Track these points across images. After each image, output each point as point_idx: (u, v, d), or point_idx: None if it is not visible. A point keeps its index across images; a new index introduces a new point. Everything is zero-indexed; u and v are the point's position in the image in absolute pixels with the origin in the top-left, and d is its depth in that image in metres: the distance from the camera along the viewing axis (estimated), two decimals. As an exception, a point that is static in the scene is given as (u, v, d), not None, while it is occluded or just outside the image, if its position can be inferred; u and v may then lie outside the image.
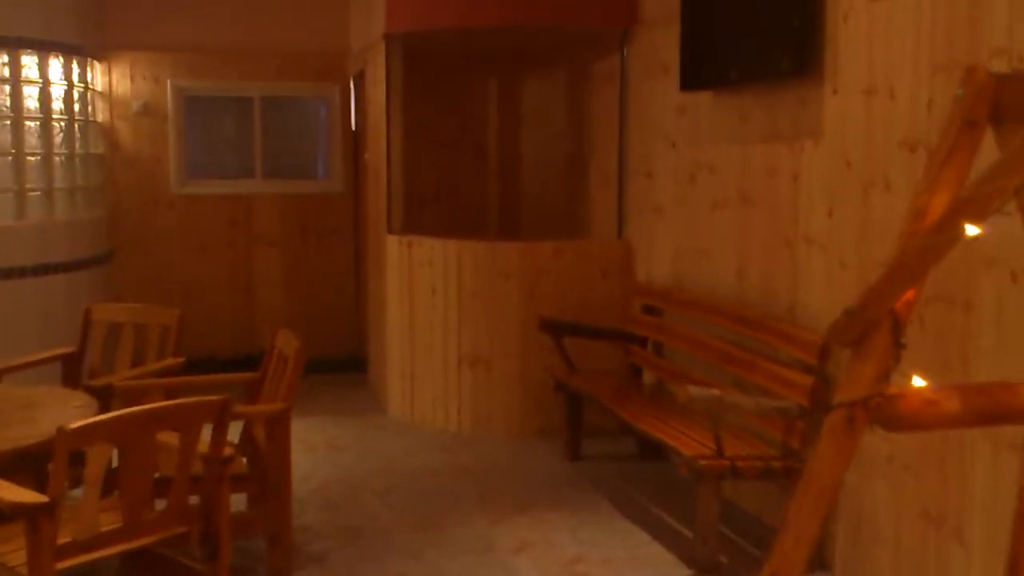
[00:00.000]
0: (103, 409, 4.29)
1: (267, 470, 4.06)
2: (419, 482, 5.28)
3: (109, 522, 3.19)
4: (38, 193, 6.37)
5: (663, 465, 5.05)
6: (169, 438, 3.37)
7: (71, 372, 5.00)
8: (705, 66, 4.88)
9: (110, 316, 5.04)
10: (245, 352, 7.63)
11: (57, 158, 6.50)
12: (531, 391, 5.98)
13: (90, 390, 4.34)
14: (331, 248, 7.86)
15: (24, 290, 6.22)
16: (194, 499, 3.34)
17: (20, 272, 6.21)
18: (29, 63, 6.28)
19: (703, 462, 3.99)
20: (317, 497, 5.05)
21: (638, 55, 5.89)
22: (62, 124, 6.55)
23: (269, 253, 7.78)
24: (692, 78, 4.98)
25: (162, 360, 4.78)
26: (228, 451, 3.45)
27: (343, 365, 7.72)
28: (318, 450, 5.83)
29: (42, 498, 2.94)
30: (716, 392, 4.07)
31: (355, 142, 7.65)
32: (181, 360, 4.77)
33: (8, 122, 6.18)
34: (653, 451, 5.24)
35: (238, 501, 4.45)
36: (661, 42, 5.51)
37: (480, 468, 5.48)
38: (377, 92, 6.58)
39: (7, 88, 6.16)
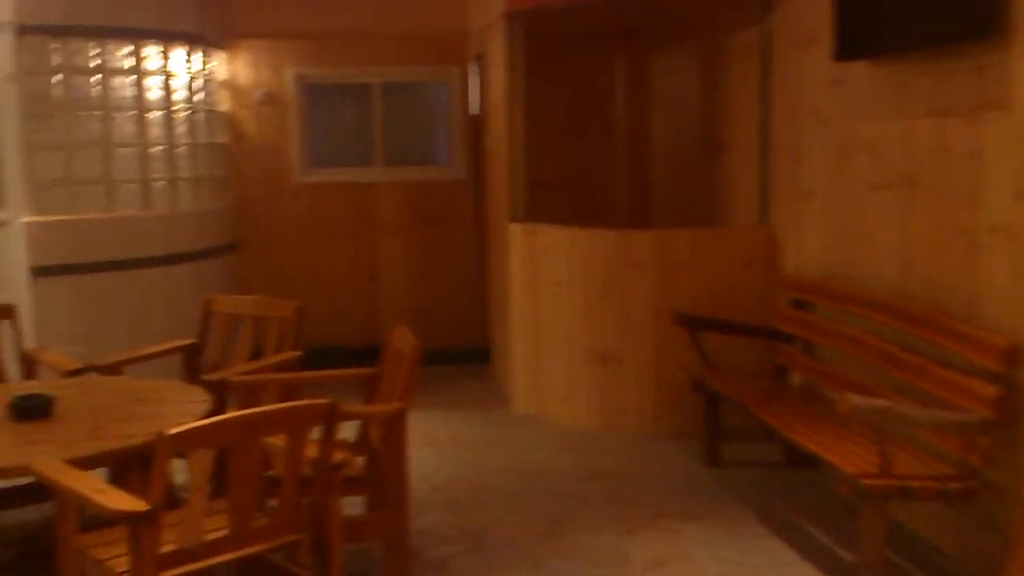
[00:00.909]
0: (217, 404, 4.15)
1: (383, 473, 3.81)
2: (545, 483, 4.98)
3: (217, 527, 3.00)
4: (163, 183, 6.32)
5: (814, 474, 4.62)
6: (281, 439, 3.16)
7: (191, 364, 4.89)
8: (862, 32, 4.40)
9: (229, 308, 4.91)
10: (370, 342, 7.47)
11: (180, 148, 6.44)
12: (664, 389, 5.61)
13: (205, 384, 4.20)
14: (453, 236, 7.64)
15: (150, 280, 6.18)
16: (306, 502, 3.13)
17: (147, 262, 6.17)
18: (151, 54, 6.22)
19: (867, 481, 3.50)
20: (438, 497, 4.81)
21: (782, 24, 5.43)
22: (185, 114, 6.48)
23: (392, 242, 7.61)
24: (847, 46, 4.50)
25: (280, 353, 4.62)
26: (339, 456, 3.22)
27: (467, 356, 7.50)
28: (441, 445, 5.60)
29: (143, 505, 2.75)
30: (883, 403, 3.60)
31: (476, 127, 7.40)
32: (297, 354, 4.59)
33: (132, 113, 6.13)
34: (802, 458, 4.81)
35: (355, 504, 4.26)
36: (808, 8, 5.04)
37: (610, 470, 5.15)
38: (498, 74, 6.29)
39: (130, 79, 6.11)
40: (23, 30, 5.67)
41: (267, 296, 7.19)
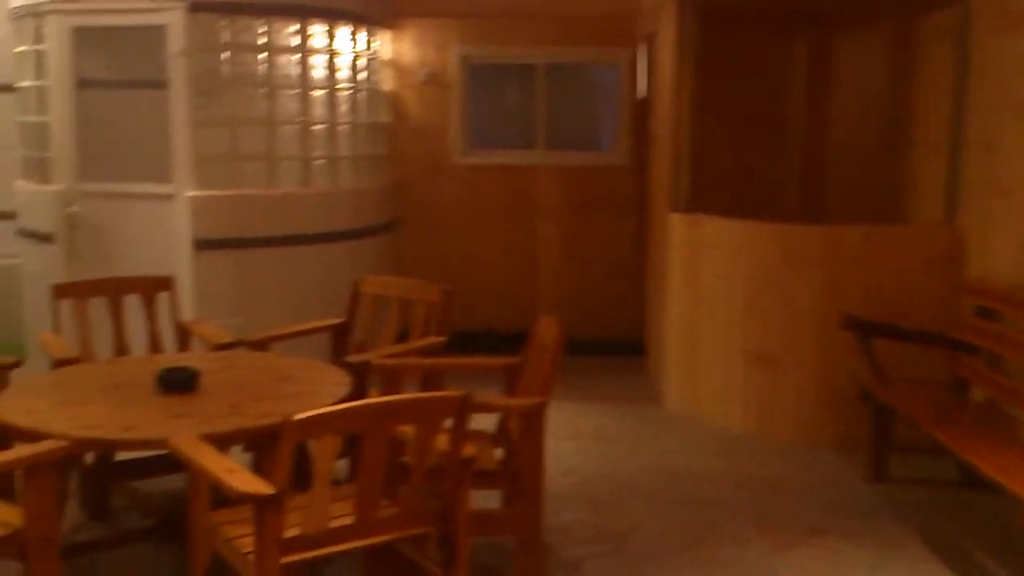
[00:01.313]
0: (359, 386, 4.10)
1: (519, 467, 3.67)
2: (693, 488, 4.74)
3: (344, 513, 2.92)
4: (324, 161, 6.36)
5: (993, 498, 4.21)
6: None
7: (339, 344, 4.87)
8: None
9: (377, 289, 4.87)
10: (524, 327, 7.33)
11: (343, 127, 6.46)
12: (828, 396, 5.26)
13: (347, 366, 4.15)
14: (613, 224, 7.42)
15: (307, 257, 6.23)
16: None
17: (304, 239, 6.22)
18: (317, 32, 6.25)
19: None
20: (578, 494, 4.64)
21: (985, 5, 4.95)
22: (348, 93, 6.49)
23: (549, 227, 7.45)
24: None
25: (425, 338, 4.53)
26: (470, 450, 3.09)
27: (621, 348, 7.29)
28: (585, 439, 5.43)
29: (268, 488, 2.69)
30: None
31: (642, 112, 7.15)
32: (443, 340, 4.49)
33: (296, 91, 6.18)
34: (980, 479, 4.39)
35: (491, 498, 4.14)
36: (1015, -13, 4.59)
37: (763, 479, 4.86)
38: (667, 57, 6.03)
39: (295, 57, 6.15)
40: (195, 7, 5.78)
41: (419, 278, 7.20)
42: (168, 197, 5.93)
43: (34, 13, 6.04)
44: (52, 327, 4.55)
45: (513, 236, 7.47)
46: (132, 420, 3.35)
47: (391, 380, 4.03)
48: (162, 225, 5.97)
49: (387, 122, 7.12)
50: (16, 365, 4.01)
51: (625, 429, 5.64)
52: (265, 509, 2.69)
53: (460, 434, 2.95)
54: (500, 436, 4.07)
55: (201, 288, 5.92)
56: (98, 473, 4.13)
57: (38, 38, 6.05)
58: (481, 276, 7.45)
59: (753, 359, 5.47)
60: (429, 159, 7.39)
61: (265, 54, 6.04)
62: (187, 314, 5.85)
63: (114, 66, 6.29)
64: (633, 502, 4.56)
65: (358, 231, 6.56)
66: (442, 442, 2.99)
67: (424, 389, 4.47)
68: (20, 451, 2.88)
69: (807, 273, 5.27)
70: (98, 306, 4.63)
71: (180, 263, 5.91)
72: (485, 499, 4.20)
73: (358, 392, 4.14)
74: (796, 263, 5.30)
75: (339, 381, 3.83)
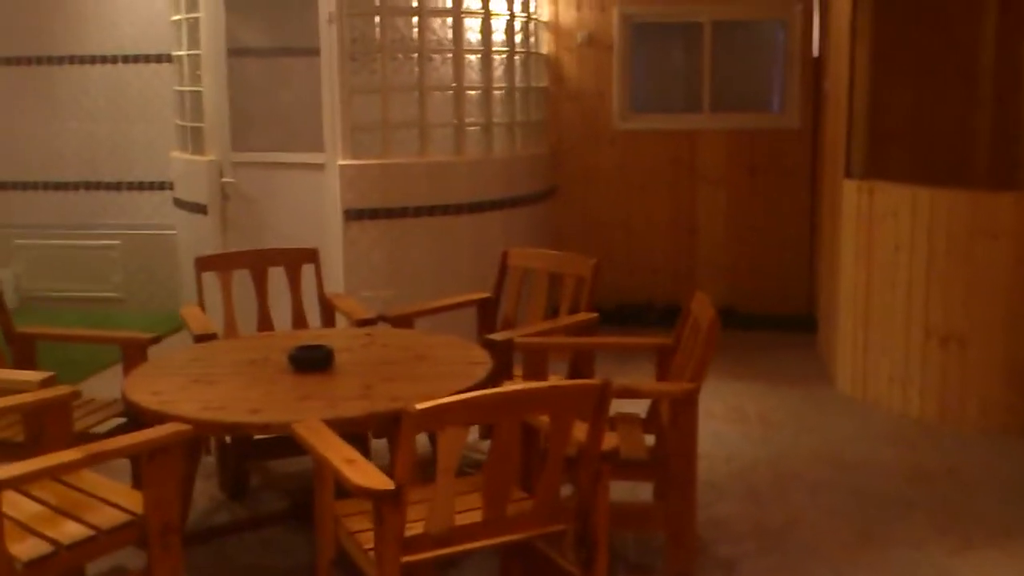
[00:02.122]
0: (502, 365, 3.91)
1: (669, 457, 3.39)
2: (862, 480, 4.34)
3: (471, 508, 2.72)
4: (477, 128, 6.17)
5: None
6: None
7: (486, 319, 4.70)
8: None
9: (525, 262, 4.65)
10: (683, 300, 7.04)
11: (497, 92, 6.25)
12: (1018, 379, 4.74)
13: (489, 344, 3.96)
14: (783, 191, 6.96)
15: (459, 227, 6.08)
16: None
17: (456, 209, 6.06)
18: (471, -7, 6.05)
19: None
20: (738, 484, 4.32)
21: None
22: (504, 57, 6.27)
23: (714, 194, 7.06)
24: None
25: (575, 314, 4.29)
26: (610, 441, 2.83)
27: (791, 323, 6.86)
28: (748, 423, 5.09)
29: (387, 484, 2.52)
30: None
31: (816, 70, 6.64)
32: (593, 316, 4.24)
33: (449, 55, 6.00)
34: None
35: (643, 488, 3.90)
36: None
37: (943, 472, 4.41)
38: (843, 8, 5.53)
39: (449, 20, 5.97)
40: (345, -29, 5.67)
41: (575, 249, 6.96)
42: (319, 167, 5.87)
43: (188, -20, 6.08)
44: (197, 300, 4.54)
45: (675, 204, 7.12)
46: (259, 401, 3.26)
47: (535, 360, 3.82)
48: (314, 195, 5.93)
49: (544, 86, 6.87)
50: (154, 341, 4.00)
51: (791, 412, 5.26)
52: (384, 505, 2.52)
53: (598, 426, 2.70)
54: (651, 421, 3.81)
55: (351, 259, 5.85)
56: (236, 452, 4.09)
57: (191, 6, 6.08)
58: (640, 247, 7.14)
59: (934, 338, 4.98)
60: (587, 124, 7.10)
61: (417, 18, 5.87)
62: (338, 286, 5.82)
63: (266, 34, 6.27)
64: (797, 494, 4.21)
65: (512, 200, 6.36)
66: (581, 430, 2.75)
67: (573, 369, 4.25)
68: (137, 436, 2.81)
69: (997, 244, 4.75)
70: (245, 279, 4.60)
71: (331, 234, 5.86)
72: (634, 490, 3.97)
73: (501, 372, 3.96)
74: (984, 233, 4.78)
75: (479, 361, 3.64)
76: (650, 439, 3.70)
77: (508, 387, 2.65)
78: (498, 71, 6.24)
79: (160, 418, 3.10)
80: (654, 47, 7.11)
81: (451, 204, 6.03)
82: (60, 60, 7.58)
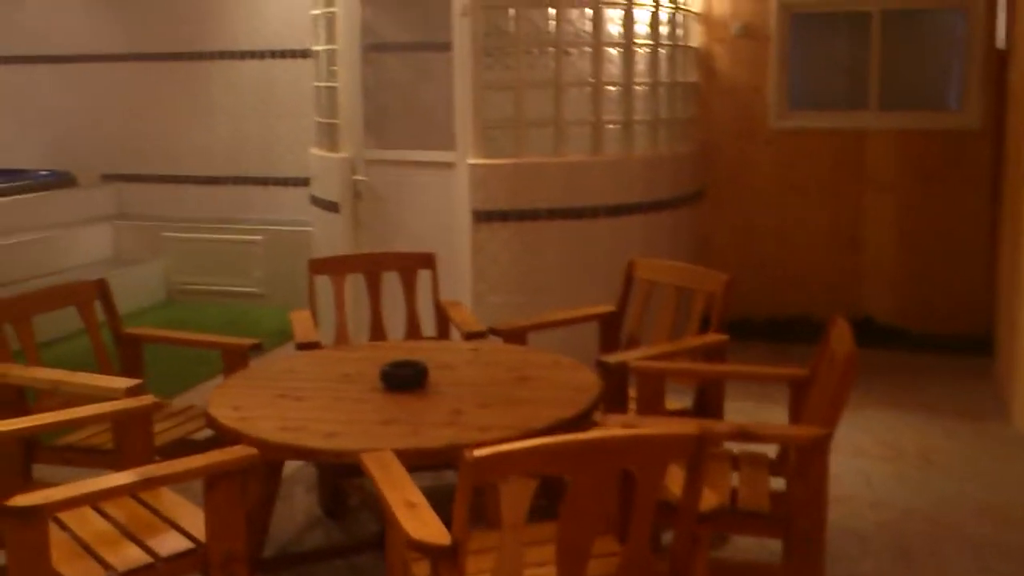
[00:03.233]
0: (616, 390, 3.56)
1: (793, 511, 2.95)
2: (1039, 541, 3.75)
3: (544, 561, 2.38)
4: (617, 126, 5.79)
5: None
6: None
7: (608, 335, 4.34)
8: None
9: (651, 274, 4.26)
10: (844, 315, 6.45)
11: (640, 88, 5.85)
12: None
13: (602, 367, 3.60)
14: (960, 197, 6.27)
15: (596, 232, 5.70)
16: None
17: (592, 212, 5.70)
18: (614, -19, 5.67)
19: None
20: (886, 536, 3.80)
21: None
22: (648, 50, 5.86)
23: (882, 200, 6.44)
24: None
25: (703, 335, 3.88)
26: (711, 499, 2.43)
27: (964, 346, 6.18)
28: (905, 461, 4.53)
29: (444, 538, 2.21)
30: None
31: (1000, 63, 5.94)
32: (722, 339, 3.82)
33: (588, 49, 5.64)
34: None
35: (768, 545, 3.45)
36: None
37: None
38: (1034, -7, 4.87)
39: (587, 12, 5.61)
40: (479, -39, 5.39)
41: (723, 257, 6.50)
42: (450, 166, 5.62)
43: (325, -27, 5.94)
44: (308, 305, 4.36)
45: (837, 211, 6.53)
46: (339, 423, 3.01)
47: (652, 387, 3.44)
48: (444, 195, 5.69)
49: (693, 82, 6.42)
50: (256, 347, 3.83)
51: (957, 452, 4.65)
52: (439, 561, 2.20)
53: (695, 482, 2.30)
54: (781, 463, 3.36)
55: (480, 263, 5.58)
56: (333, 468, 3.87)
57: (328, 1, 5.94)
58: (797, 256, 6.60)
59: None
60: (741, 122, 6.61)
61: (554, 10, 5.54)
62: (465, 290, 5.57)
63: (402, 28, 6.07)
64: (956, 554, 3.66)
65: (654, 204, 5.94)
66: (673, 485, 2.37)
67: (699, 397, 3.85)
68: (197, 460, 2.59)
69: None
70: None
71: (460, 236, 5.61)
72: (764, 545, 3.53)
73: (615, 397, 3.60)
74: None
75: (587, 386, 3.29)
76: (780, 482, 3.26)
77: (585, 434, 2.28)
78: (641, 65, 5.84)
79: (234, 436, 2.91)
80: (816, 38, 6.53)
81: (587, 207, 5.67)
82: (211, 55, 7.64)
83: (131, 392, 3.27)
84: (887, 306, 6.43)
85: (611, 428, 2.84)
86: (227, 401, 3.22)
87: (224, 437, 2.97)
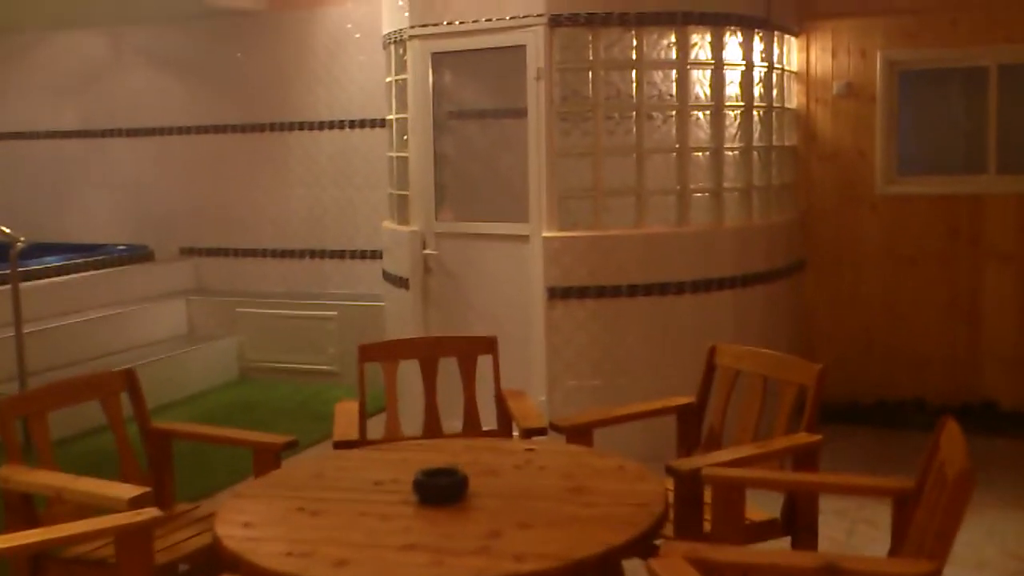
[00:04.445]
0: (688, 502, 3.09)
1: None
2: None
3: None
4: (705, 195, 5.35)
5: None
6: None
7: (687, 430, 3.86)
8: None
9: (735, 361, 3.77)
10: (964, 399, 5.85)
11: (731, 153, 5.40)
12: None
13: (674, 475, 3.14)
14: (1094, 271, 5.62)
15: (681, 310, 5.25)
16: None
17: (677, 288, 5.25)
18: (701, 42, 5.26)
19: None
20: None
21: None
22: (739, 112, 5.43)
23: (1002, 272, 5.83)
24: None
25: (792, 435, 3.38)
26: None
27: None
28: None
29: None
30: None
31: None
32: (814, 440, 3.31)
33: (673, 113, 5.23)
34: None
35: None
36: None
37: None
38: None
39: (672, 73, 5.21)
40: (555, 21, 5.06)
41: (825, 336, 5.96)
42: (523, 239, 5.25)
43: (397, 40, 5.68)
44: (357, 394, 4.01)
45: (953, 283, 5.94)
46: (352, 548, 2.60)
47: (730, 499, 2.96)
48: (518, 271, 5.32)
49: (791, 145, 5.94)
50: (288, 446, 3.48)
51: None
52: None
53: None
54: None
55: (555, 343, 5.18)
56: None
57: (400, 66, 5.68)
58: (909, 333, 6.01)
59: None
60: (845, 188, 6.09)
61: (636, 71, 5.16)
62: (540, 373, 5.17)
63: (476, 94, 5.77)
64: None
65: (746, 278, 5.45)
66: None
67: (789, 504, 3.34)
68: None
69: None
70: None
71: (533, 314, 5.22)
72: None
73: (689, 509, 3.13)
74: None
75: (648, 500, 2.82)
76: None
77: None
78: (732, 129, 5.40)
79: (234, 562, 2.54)
80: (926, 97, 5.99)
81: (671, 282, 5.23)
82: (291, 126, 7.50)
83: (135, 503, 2.94)
84: (1010, 389, 5.78)
85: (672, 559, 2.39)
86: (238, 515, 2.85)
87: (224, 561, 2.60)
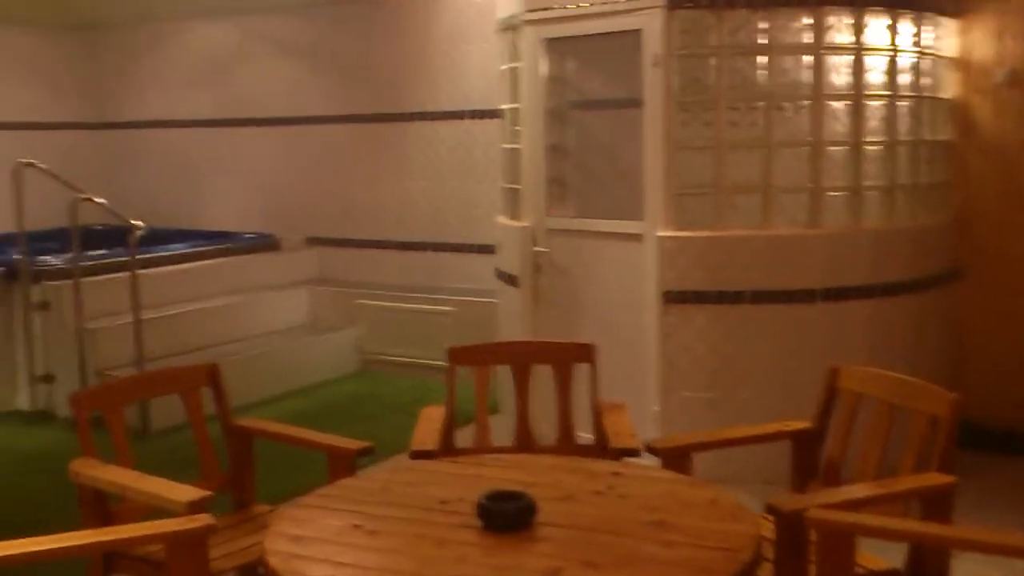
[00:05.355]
0: (788, 546, 2.73)
1: None
2: None
3: None
4: (840, 194, 4.88)
5: None
6: None
7: (803, 458, 3.47)
8: None
9: (860, 385, 3.35)
10: None
11: (873, 148, 4.92)
12: None
13: (775, 513, 2.77)
14: None
15: (810, 319, 4.80)
16: None
17: (806, 295, 4.81)
18: (838, 25, 4.80)
19: None
20: None
21: None
22: (883, 103, 4.93)
23: None
24: None
25: (922, 475, 2.95)
26: None
27: None
28: None
29: None
30: None
31: None
32: (947, 481, 2.87)
33: (806, 103, 4.79)
34: None
35: None
36: None
37: None
38: None
39: (806, 59, 4.77)
40: (674, 3, 4.69)
41: (982, 351, 5.38)
42: (637, 238, 4.91)
43: (511, 25, 5.41)
44: (446, 399, 3.77)
45: None
46: (399, 579, 2.36)
47: (839, 548, 2.57)
48: (631, 272, 4.98)
49: (944, 139, 5.38)
50: (364, 452, 3.28)
51: None
52: None
53: None
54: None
55: (669, 351, 4.82)
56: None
57: (514, 54, 5.41)
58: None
59: None
60: (1007, 187, 5.47)
61: (765, 57, 4.74)
62: (650, 383, 4.83)
63: (587, 85, 5.46)
64: None
65: (888, 286, 4.95)
66: None
67: (914, 556, 2.92)
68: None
69: None
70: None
71: (646, 318, 4.88)
72: None
73: (789, 555, 2.76)
74: None
75: (742, 543, 2.47)
76: None
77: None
78: (874, 121, 4.91)
79: (276, 581, 2.34)
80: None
81: (800, 289, 4.79)
82: (412, 116, 7.34)
83: (193, 507, 2.80)
84: None
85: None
86: (291, 527, 2.66)
87: (268, 578, 2.40)
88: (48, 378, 6.23)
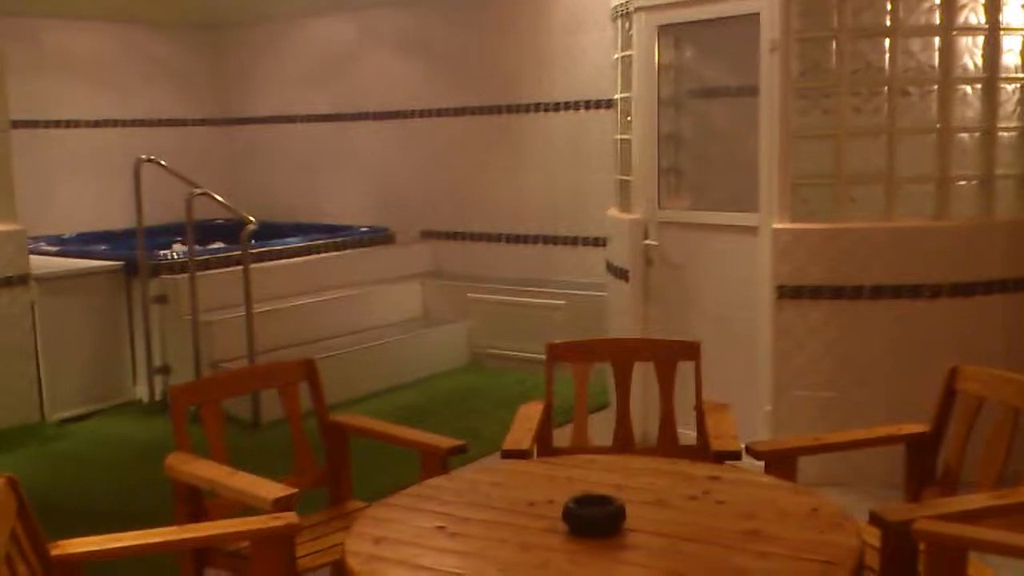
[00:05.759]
0: (894, 558, 2.54)
1: None
2: None
3: None
4: (970, 183, 4.59)
5: None
6: None
7: (918, 463, 3.27)
8: None
9: (980, 387, 3.13)
10: None
11: (1006, 134, 4.61)
12: None
13: (879, 524, 2.59)
14: None
15: (936, 316, 4.54)
16: None
17: (933, 290, 4.54)
18: (968, 2, 4.50)
19: None
20: None
21: None
22: (1018, 87, 4.61)
23: None
24: None
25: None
26: None
27: None
28: None
29: None
30: None
31: None
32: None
33: (933, 88, 4.51)
34: None
35: None
36: None
37: None
38: None
39: (935, 41, 4.49)
40: (795, -15, 4.48)
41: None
42: (751, 230, 4.72)
43: (624, 13, 5.27)
44: (544, 397, 3.69)
45: None
46: (475, 586, 2.28)
47: (948, 560, 2.39)
48: (745, 266, 4.79)
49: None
50: (457, 451, 3.22)
51: None
52: None
53: None
54: None
55: (783, 348, 4.62)
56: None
57: (626, 42, 5.27)
58: None
59: None
60: None
61: (889, 40, 4.49)
62: (764, 380, 4.64)
63: (701, 72, 5.27)
64: None
65: (1021, 281, 4.64)
66: None
67: None
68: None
69: None
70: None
71: (761, 314, 4.68)
72: None
73: (895, 568, 2.58)
74: None
75: (839, 557, 2.31)
76: None
77: None
78: (1009, 106, 4.59)
79: (350, 589, 2.30)
80: None
81: (925, 284, 4.53)
82: (526, 108, 7.27)
83: (279, 504, 2.79)
84: None
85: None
86: (374, 527, 2.61)
87: (346, 579, 2.36)
88: (165, 369, 6.39)
